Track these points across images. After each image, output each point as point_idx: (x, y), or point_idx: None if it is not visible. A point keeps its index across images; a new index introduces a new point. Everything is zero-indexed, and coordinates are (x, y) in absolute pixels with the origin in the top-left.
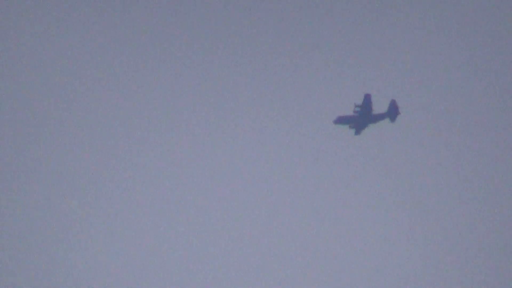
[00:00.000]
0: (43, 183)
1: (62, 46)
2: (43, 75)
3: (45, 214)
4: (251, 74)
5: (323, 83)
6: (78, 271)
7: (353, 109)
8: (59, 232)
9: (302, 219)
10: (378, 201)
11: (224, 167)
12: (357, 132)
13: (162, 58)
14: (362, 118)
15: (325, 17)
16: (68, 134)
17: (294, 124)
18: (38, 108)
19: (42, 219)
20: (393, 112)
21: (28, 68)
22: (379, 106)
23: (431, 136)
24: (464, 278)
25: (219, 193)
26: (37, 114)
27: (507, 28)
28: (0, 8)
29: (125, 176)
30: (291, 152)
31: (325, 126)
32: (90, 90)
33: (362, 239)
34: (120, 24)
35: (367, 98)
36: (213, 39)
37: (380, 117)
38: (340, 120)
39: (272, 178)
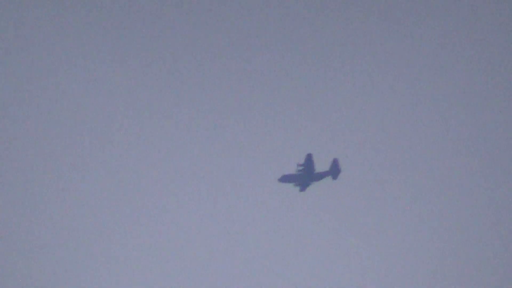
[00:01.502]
0: (45, 183)
1: (66, 46)
2: (44, 76)
3: (48, 214)
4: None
5: (267, 140)
6: (77, 271)
7: (296, 169)
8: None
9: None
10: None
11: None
12: (302, 189)
13: (160, 60)
14: (305, 176)
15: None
16: (68, 134)
17: (238, 185)
18: (38, 108)
19: (44, 219)
20: (335, 170)
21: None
22: (322, 164)
23: (372, 192)
24: None
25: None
26: (37, 114)
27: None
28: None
29: (124, 176)
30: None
31: (271, 185)
32: (90, 92)
33: None
34: (121, 24)
35: (309, 158)
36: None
37: (323, 175)
38: (285, 179)
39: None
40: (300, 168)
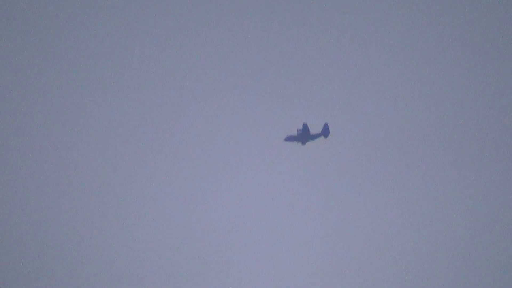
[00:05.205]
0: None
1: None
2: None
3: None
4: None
5: (278, 111)
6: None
7: (296, 132)
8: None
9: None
10: (316, 189)
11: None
12: (303, 143)
13: (161, 60)
14: (302, 137)
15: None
16: (68, 134)
17: (258, 141)
18: (38, 108)
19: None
20: (325, 132)
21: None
22: (317, 127)
23: (354, 148)
24: None
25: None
26: (37, 114)
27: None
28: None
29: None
30: (257, 161)
31: (279, 142)
32: (90, 91)
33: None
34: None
35: (305, 126)
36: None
37: (317, 136)
38: (288, 138)
39: (246, 183)
40: (299, 131)
